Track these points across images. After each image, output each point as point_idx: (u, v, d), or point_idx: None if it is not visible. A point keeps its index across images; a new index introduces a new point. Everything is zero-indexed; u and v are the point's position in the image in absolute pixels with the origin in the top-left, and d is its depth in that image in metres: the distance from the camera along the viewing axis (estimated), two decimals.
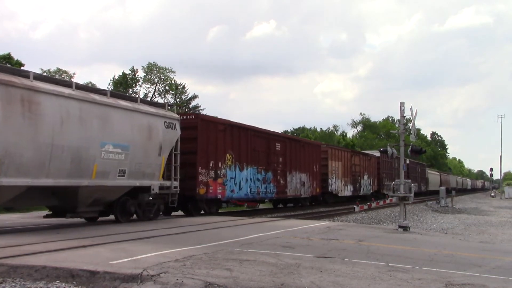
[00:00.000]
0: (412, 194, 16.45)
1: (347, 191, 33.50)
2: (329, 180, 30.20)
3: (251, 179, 20.70)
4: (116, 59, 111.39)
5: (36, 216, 16.70)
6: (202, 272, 6.84)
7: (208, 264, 7.48)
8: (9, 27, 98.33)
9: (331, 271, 7.29)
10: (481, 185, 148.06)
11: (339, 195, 32.26)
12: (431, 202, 40.10)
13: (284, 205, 27.96)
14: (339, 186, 31.88)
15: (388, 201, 20.98)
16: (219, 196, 18.63)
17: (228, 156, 19.05)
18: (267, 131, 23.82)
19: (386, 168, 42.19)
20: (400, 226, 15.66)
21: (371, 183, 38.73)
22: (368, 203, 22.97)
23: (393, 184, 16.51)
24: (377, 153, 40.07)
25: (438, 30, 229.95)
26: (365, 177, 37.41)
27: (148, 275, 6.52)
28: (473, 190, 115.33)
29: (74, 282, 6.41)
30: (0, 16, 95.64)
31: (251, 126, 21.78)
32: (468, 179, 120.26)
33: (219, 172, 18.45)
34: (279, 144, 23.77)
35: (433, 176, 67.36)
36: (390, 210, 27.84)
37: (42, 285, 6.24)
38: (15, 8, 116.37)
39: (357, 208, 22.25)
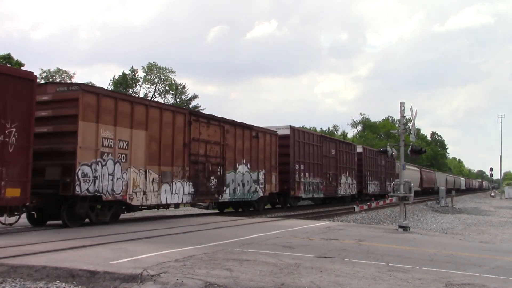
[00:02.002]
0: (412, 194, 16.42)
1: (173, 196, 16.03)
2: (80, 170, 12.54)
3: None
4: (117, 59, 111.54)
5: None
6: (202, 272, 6.84)
7: (208, 264, 7.48)
8: (10, 28, 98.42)
9: (331, 271, 7.29)
10: (478, 184, 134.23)
11: (137, 203, 14.59)
12: (431, 202, 39.98)
13: None
14: (138, 183, 14.47)
15: (388, 201, 20.98)
16: None
17: None
18: None
19: (305, 156, 26.03)
20: (400, 226, 15.66)
21: (263, 180, 21.67)
22: (368, 203, 22.92)
23: (393, 184, 16.48)
24: (285, 130, 24.51)
25: (439, 30, 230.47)
26: (241, 168, 19.95)
27: (148, 275, 6.52)
28: (468, 190, 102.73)
29: (74, 282, 6.41)
30: (1, 16, 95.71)
31: None
32: (462, 178, 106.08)
33: None
34: None
35: (409, 172, 49.85)
36: (390, 210, 27.83)
37: (42, 285, 6.24)
38: (17, 8, 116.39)
39: (357, 208, 22.20)
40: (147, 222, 14.61)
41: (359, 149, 35.74)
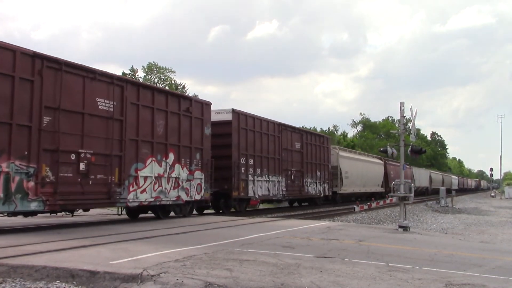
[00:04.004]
0: (412, 194, 16.41)
1: None
2: None
3: None
4: (117, 59, 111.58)
5: (36, 216, 16.69)
6: (202, 272, 6.85)
7: (208, 264, 7.48)
8: (11, 28, 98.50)
9: (331, 271, 7.29)
10: (475, 184, 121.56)
11: None
12: (431, 202, 39.90)
13: None
14: None
15: (388, 201, 21.00)
16: None
17: None
18: None
19: None
20: (400, 226, 15.66)
21: None
22: (368, 203, 23.02)
23: (393, 184, 16.48)
24: None
25: (439, 30, 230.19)
26: None
27: (148, 275, 6.52)
28: (463, 191, 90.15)
29: (74, 282, 6.42)
30: (2, 17, 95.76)
31: None
32: (453, 176, 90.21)
33: None
34: None
35: (357, 165, 34.81)
36: (390, 210, 27.81)
37: (42, 285, 6.24)
38: (18, 9, 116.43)
39: (357, 208, 22.29)
40: (147, 222, 14.61)
41: (223, 115, 19.80)
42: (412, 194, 16.34)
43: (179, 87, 55.56)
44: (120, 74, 53.86)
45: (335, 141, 63.30)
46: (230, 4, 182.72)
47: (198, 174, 17.19)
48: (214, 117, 19.07)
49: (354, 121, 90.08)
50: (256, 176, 21.29)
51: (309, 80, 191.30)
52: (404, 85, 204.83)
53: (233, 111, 19.99)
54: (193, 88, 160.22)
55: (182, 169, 16.37)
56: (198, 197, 17.22)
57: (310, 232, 12.86)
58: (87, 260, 7.40)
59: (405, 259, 8.99)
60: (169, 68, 55.27)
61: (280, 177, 23.46)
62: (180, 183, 16.23)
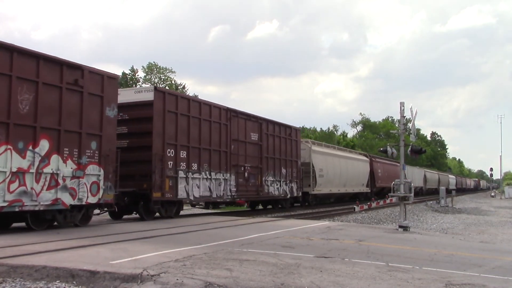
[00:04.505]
0: (412, 194, 16.40)
1: None
2: None
3: None
4: (117, 59, 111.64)
5: None
6: (202, 272, 6.84)
7: (208, 264, 7.48)
8: (12, 28, 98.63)
9: (331, 271, 7.29)
10: (474, 184, 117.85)
11: None
12: (431, 202, 39.88)
13: None
14: None
15: (388, 201, 21.02)
16: None
17: None
18: None
19: None
20: (400, 226, 15.66)
21: None
22: (368, 203, 23.06)
23: (393, 184, 16.48)
24: None
25: (440, 30, 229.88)
26: None
27: (148, 275, 6.52)
28: (461, 190, 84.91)
29: (74, 282, 6.42)
30: (3, 17, 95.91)
31: None
32: (451, 176, 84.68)
33: None
34: None
35: (338, 162, 30.67)
36: (390, 210, 27.82)
37: (42, 285, 6.24)
38: (18, 9, 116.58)
39: (357, 208, 22.32)
40: (147, 222, 14.61)
41: (143, 94, 16.20)
42: (412, 194, 16.34)
43: (179, 87, 55.62)
44: (120, 74, 53.88)
45: (334, 141, 63.39)
46: (230, 4, 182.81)
47: (93, 169, 12.74)
48: (132, 97, 15.85)
49: (354, 121, 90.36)
50: (190, 173, 16.76)
51: (309, 80, 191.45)
52: (404, 85, 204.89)
53: (156, 89, 16.04)
54: (193, 88, 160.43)
55: (65, 162, 11.92)
56: (93, 199, 12.72)
57: (310, 232, 12.86)
58: (87, 260, 7.41)
59: (405, 259, 8.99)
60: (169, 68, 55.43)
61: (228, 175, 18.94)
62: (60, 181, 11.74)
